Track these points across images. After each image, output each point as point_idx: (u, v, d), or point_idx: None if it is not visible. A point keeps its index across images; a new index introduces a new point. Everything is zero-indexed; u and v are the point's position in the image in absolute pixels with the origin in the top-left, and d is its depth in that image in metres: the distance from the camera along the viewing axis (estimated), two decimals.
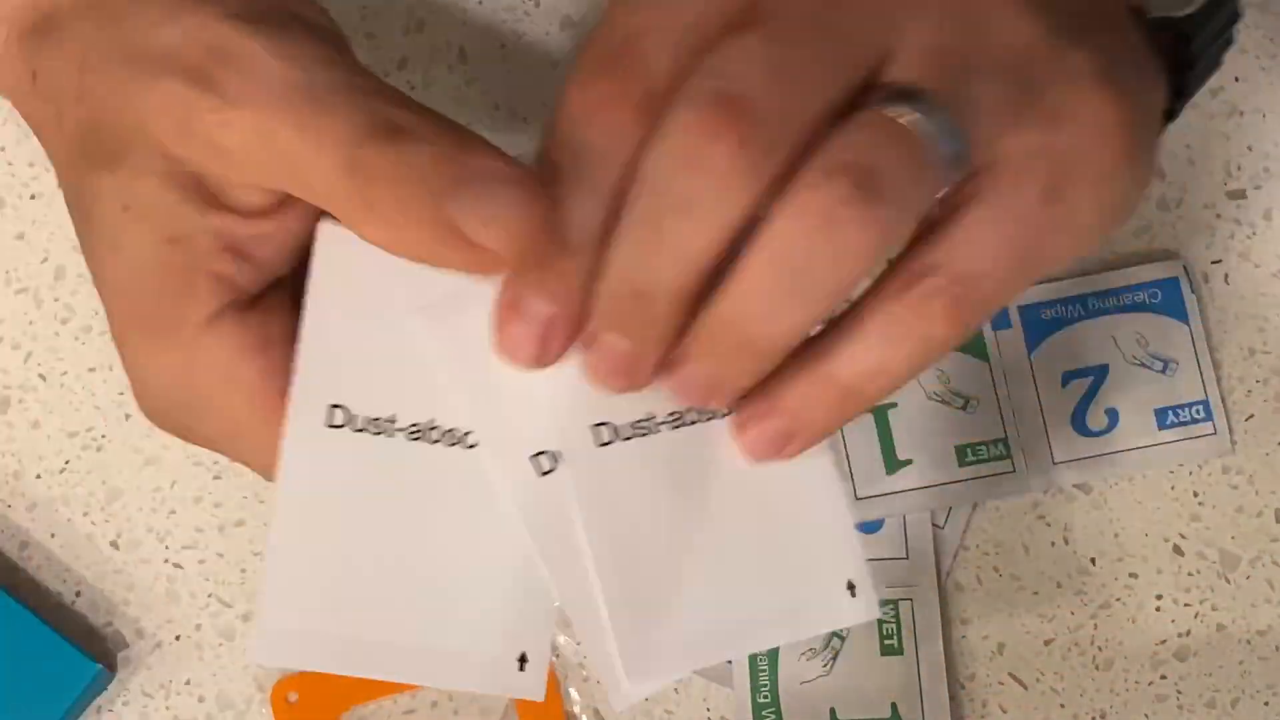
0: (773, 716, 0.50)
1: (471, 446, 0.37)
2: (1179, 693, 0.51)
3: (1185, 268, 0.52)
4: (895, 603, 0.51)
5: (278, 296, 0.38)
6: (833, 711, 0.50)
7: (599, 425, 0.36)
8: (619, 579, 0.36)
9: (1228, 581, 0.51)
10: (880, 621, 0.51)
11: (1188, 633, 0.51)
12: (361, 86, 0.37)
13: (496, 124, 0.53)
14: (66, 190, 0.40)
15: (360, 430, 0.36)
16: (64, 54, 0.39)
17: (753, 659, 0.50)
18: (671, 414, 0.37)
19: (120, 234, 0.38)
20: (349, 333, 0.37)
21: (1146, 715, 0.51)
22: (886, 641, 0.51)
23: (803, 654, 0.50)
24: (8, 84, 0.41)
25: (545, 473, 0.36)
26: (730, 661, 0.50)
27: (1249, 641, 0.51)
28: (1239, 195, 0.53)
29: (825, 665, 0.51)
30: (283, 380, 0.37)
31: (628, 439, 0.36)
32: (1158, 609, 0.51)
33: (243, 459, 0.39)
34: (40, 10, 0.40)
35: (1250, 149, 0.53)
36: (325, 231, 0.37)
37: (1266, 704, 0.51)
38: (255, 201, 0.38)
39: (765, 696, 0.50)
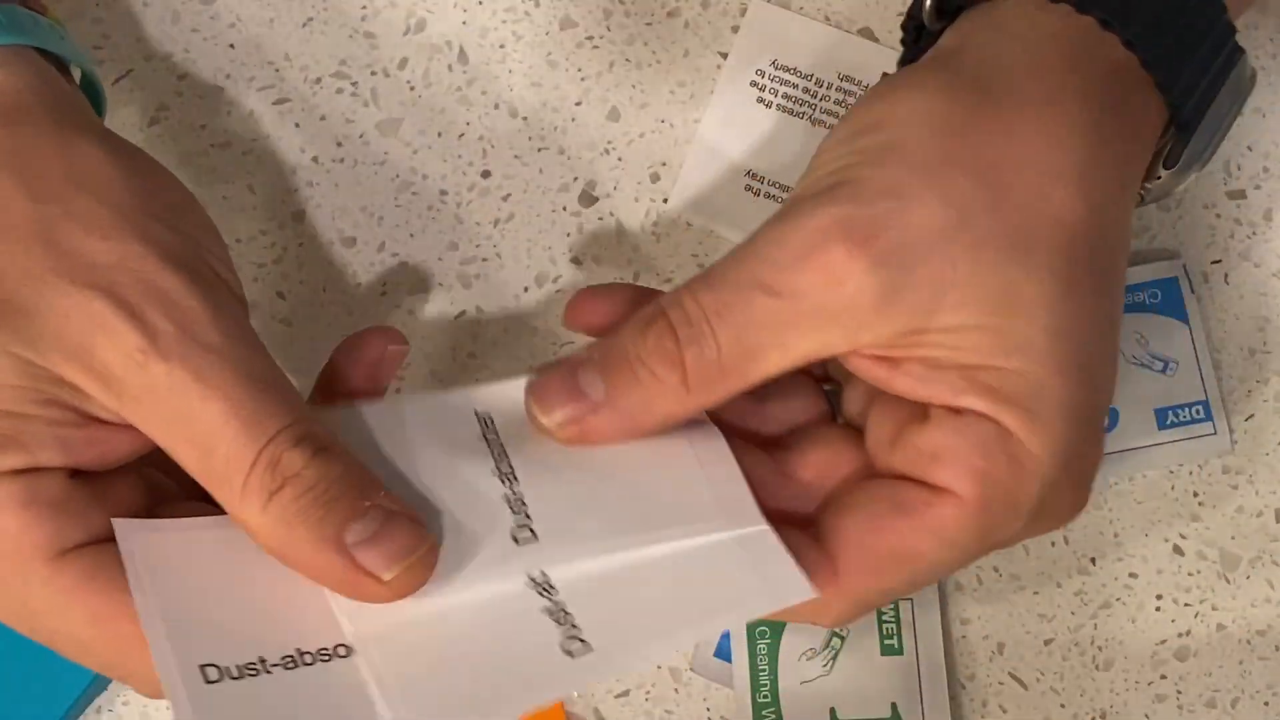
0: (773, 716, 0.50)
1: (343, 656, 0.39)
2: (1179, 693, 0.51)
3: (1185, 268, 0.52)
4: (895, 603, 0.51)
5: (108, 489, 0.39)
6: (833, 711, 0.50)
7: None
8: None
9: (1228, 581, 0.51)
10: (880, 621, 0.51)
11: (1188, 633, 0.51)
12: (286, 381, 0.39)
13: (497, 124, 0.53)
14: None
15: (237, 678, 0.37)
16: None
17: (753, 659, 0.50)
18: None
19: None
20: (188, 605, 0.38)
21: (1146, 715, 0.51)
22: (886, 641, 0.51)
23: (803, 654, 0.50)
24: None
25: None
26: (731, 661, 0.51)
27: (1249, 641, 0.51)
28: (1239, 195, 0.53)
29: (825, 665, 0.51)
30: (66, 534, 0.38)
31: None
32: (1158, 609, 0.51)
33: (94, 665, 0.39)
34: None
35: (1250, 149, 0.53)
36: (121, 529, 0.38)
37: (1266, 704, 0.51)
38: (101, 433, 0.38)
39: (765, 696, 0.50)
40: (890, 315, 0.39)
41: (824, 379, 0.45)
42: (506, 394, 0.42)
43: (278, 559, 0.38)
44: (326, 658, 0.38)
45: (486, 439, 0.42)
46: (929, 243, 0.39)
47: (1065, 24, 0.41)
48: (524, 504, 0.40)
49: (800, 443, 0.43)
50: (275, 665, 0.38)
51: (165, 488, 0.41)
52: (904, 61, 0.46)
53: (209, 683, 0.37)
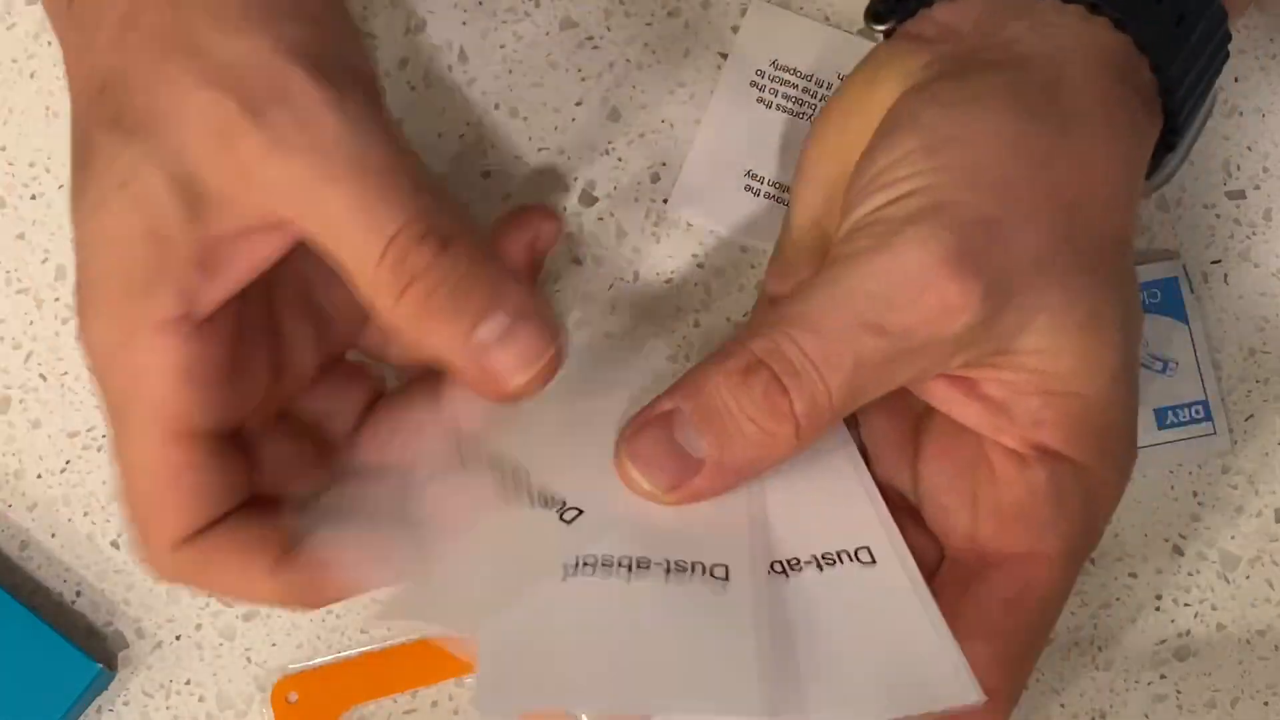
0: None
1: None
2: (1179, 693, 0.51)
3: (1185, 268, 0.52)
4: None
5: (224, 324, 0.39)
6: None
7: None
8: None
9: (1228, 581, 0.51)
10: None
11: (1188, 633, 0.51)
12: (412, 172, 0.38)
13: (496, 124, 0.53)
14: (74, 124, 0.40)
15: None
16: None
17: None
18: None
19: (109, 204, 0.38)
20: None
21: (1146, 715, 0.51)
22: None
23: None
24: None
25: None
26: None
27: (1249, 641, 0.51)
28: (1239, 195, 0.53)
29: None
30: (198, 419, 0.39)
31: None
32: (1158, 609, 0.51)
33: (118, 470, 0.40)
34: None
35: (1250, 149, 0.53)
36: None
37: (1266, 704, 0.51)
38: (245, 224, 0.38)
39: None
40: (990, 336, 0.39)
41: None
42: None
43: (416, 343, 0.39)
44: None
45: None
46: (1026, 271, 0.39)
47: (1109, 40, 0.41)
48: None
49: None
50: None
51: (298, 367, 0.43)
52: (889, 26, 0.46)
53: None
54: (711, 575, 0.39)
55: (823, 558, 0.40)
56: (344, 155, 0.37)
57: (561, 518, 0.40)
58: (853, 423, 0.44)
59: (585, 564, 0.39)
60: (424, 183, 0.38)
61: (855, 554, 0.40)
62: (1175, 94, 0.42)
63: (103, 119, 0.38)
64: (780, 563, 0.40)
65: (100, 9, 0.39)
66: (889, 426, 0.44)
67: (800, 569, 0.40)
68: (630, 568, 0.39)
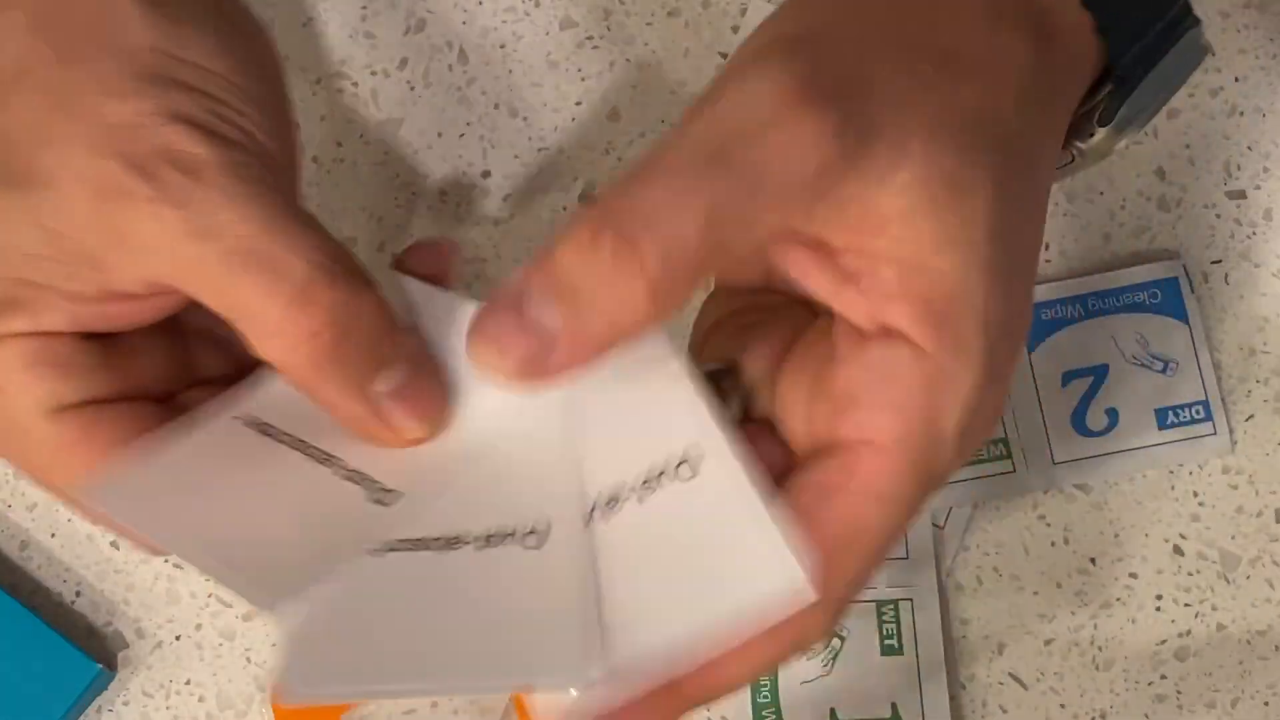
0: (773, 716, 0.50)
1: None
2: (1179, 693, 0.51)
3: (1185, 268, 0.52)
4: (895, 603, 0.51)
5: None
6: (833, 711, 0.50)
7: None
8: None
9: (1228, 581, 0.51)
10: (880, 621, 0.51)
11: (1188, 633, 0.51)
12: (303, 230, 0.38)
13: (497, 124, 0.53)
14: None
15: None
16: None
17: None
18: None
19: None
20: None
21: (1146, 715, 0.51)
22: (886, 641, 0.51)
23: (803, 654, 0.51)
24: None
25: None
26: None
27: (1249, 641, 0.51)
28: (1239, 195, 0.53)
29: (825, 665, 0.51)
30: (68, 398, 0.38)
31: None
32: (1158, 609, 0.51)
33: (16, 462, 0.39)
34: None
35: (1250, 149, 0.53)
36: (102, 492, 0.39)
37: (1266, 704, 0.51)
38: (121, 289, 0.38)
39: (765, 696, 0.50)
40: (846, 181, 0.36)
41: (716, 373, 0.41)
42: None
43: (308, 396, 0.38)
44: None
45: None
46: (886, 111, 0.36)
47: None
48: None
49: None
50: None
51: (198, 362, 0.42)
52: None
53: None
54: (528, 536, 0.38)
55: (643, 485, 0.38)
56: (240, 203, 0.37)
57: (373, 498, 0.40)
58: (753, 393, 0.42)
59: (394, 551, 0.39)
60: (316, 240, 0.38)
61: (676, 470, 0.38)
62: (1102, 12, 0.40)
63: None
64: (601, 507, 0.39)
65: None
66: (769, 358, 0.41)
67: (620, 507, 0.38)
68: (443, 546, 0.38)
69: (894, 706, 0.50)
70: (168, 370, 0.41)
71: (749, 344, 0.40)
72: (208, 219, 0.37)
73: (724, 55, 0.53)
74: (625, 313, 0.36)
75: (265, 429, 0.40)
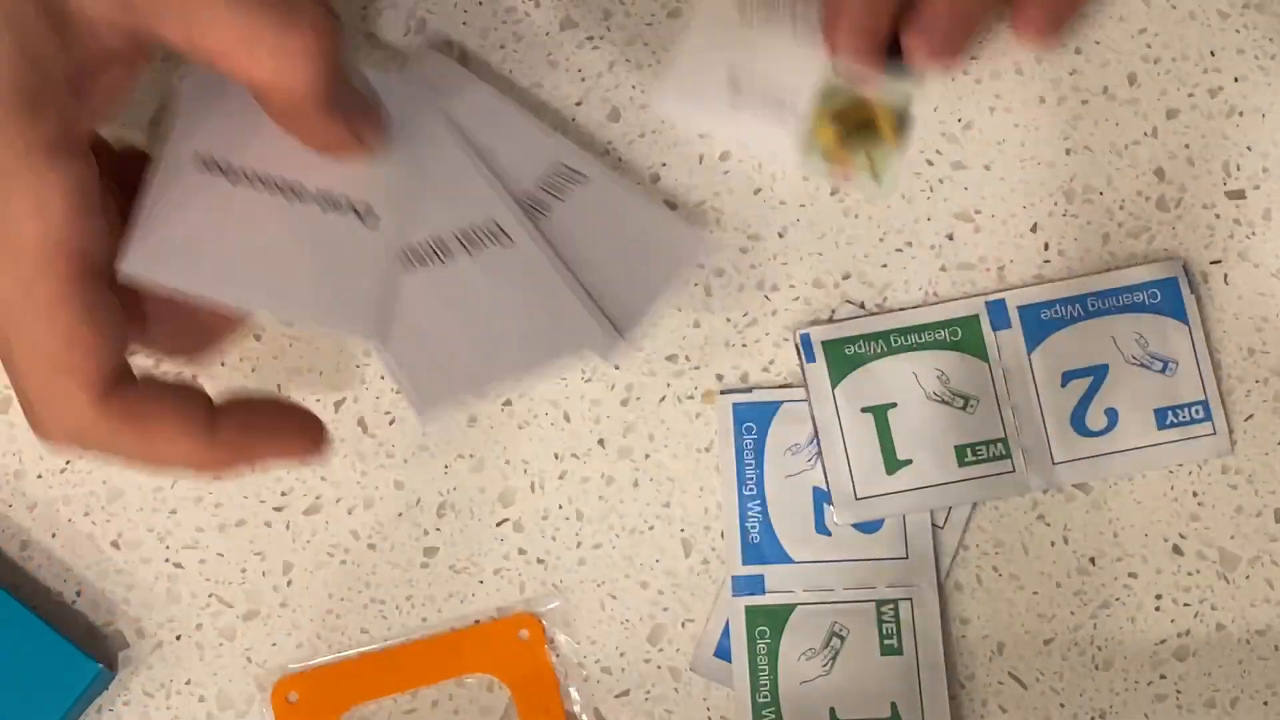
0: (773, 716, 0.50)
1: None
2: (1179, 693, 0.51)
3: (1185, 268, 0.52)
4: (895, 602, 0.51)
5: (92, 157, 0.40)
6: (833, 711, 0.50)
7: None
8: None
9: (1227, 581, 0.51)
10: (880, 621, 0.51)
11: (1188, 633, 0.51)
12: None
13: None
14: None
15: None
16: None
17: (753, 659, 0.50)
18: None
19: None
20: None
21: (1146, 715, 0.51)
22: (886, 641, 0.51)
23: (802, 654, 0.50)
24: None
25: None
26: (731, 661, 0.51)
27: (1249, 641, 0.51)
28: (1239, 195, 0.53)
29: (825, 665, 0.51)
30: (97, 254, 0.39)
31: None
32: (1157, 609, 0.51)
33: None
34: None
35: (1250, 149, 0.53)
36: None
37: (1266, 704, 0.51)
38: (108, 47, 0.39)
39: (765, 696, 0.50)
40: None
41: None
42: None
43: (289, 116, 0.42)
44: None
45: None
46: None
47: None
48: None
49: None
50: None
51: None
52: None
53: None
54: (501, 235, 0.45)
55: (464, 237, 0.45)
56: None
57: (361, 221, 0.45)
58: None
59: (422, 265, 0.45)
60: None
61: (495, 236, 0.45)
62: None
63: None
64: (428, 243, 0.45)
65: None
66: None
67: (451, 254, 0.45)
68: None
69: (894, 706, 0.50)
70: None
71: None
72: None
73: None
74: None
75: (225, 168, 0.44)
